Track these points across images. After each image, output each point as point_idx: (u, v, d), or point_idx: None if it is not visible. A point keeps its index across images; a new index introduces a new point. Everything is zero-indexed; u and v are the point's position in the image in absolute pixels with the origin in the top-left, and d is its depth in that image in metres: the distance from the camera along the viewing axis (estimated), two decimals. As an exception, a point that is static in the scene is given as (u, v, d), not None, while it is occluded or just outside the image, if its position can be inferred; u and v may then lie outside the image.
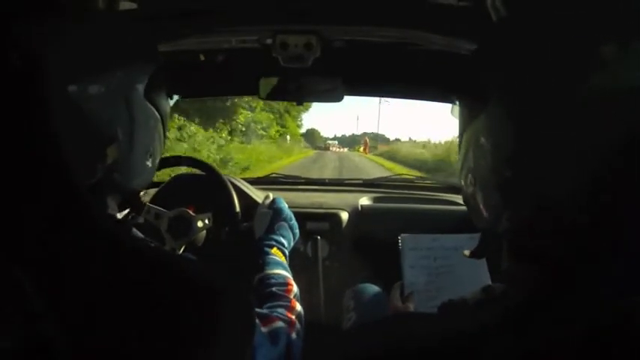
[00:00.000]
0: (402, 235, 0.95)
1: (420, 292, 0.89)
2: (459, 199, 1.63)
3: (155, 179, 1.55)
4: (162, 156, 1.23)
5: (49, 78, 0.38)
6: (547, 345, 0.30)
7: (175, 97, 1.45)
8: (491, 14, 0.69)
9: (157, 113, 0.60)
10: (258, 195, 1.47)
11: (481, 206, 0.49)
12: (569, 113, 0.39)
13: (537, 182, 0.41)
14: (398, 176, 2.06)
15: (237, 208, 1.22)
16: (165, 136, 0.65)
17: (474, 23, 0.79)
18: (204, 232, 1.20)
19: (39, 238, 0.37)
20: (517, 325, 0.32)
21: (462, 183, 0.52)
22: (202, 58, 1.22)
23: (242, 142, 13.47)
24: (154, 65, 0.58)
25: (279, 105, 17.20)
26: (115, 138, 0.52)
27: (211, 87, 1.55)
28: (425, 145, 25.78)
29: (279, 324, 0.62)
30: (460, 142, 0.53)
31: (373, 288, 1.16)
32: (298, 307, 0.74)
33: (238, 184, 1.44)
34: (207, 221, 1.17)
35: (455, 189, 1.75)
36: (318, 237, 1.44)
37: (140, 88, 0.56)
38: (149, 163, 0.60)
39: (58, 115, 0.39)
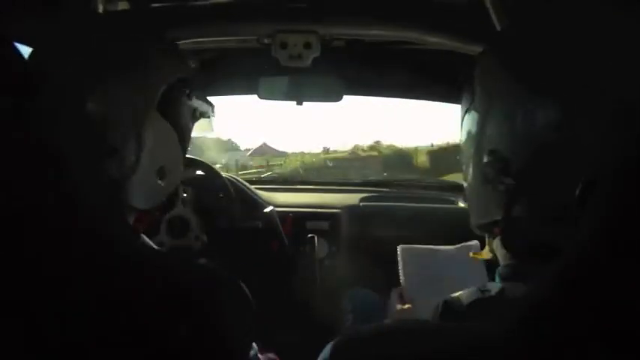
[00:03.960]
0: (401, 246, 0.96)
1: (420, 299, 0.89)
2: (459, 198, 1.63)
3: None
4: None
5: (45, 83, 0.38)
6: (547, 347, 0.29)
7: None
8: (490, 14, 0.69)
9: (170, 128, 0.55)
10: (257, 195, 1.47)
11: (477, 202, 0.49)
12: (569, 115, 0.39)
13: (534, 180, 0.42)
14: (397, 176, 2.06)
15: (237, 209, 1.22)
16: (185, 153, 0.61)
17: (473, 23, 0.79)
18: (205, 236, 1.19)
19: (40, 245, 0.37)
20: (514, 325, 0.31)
21: (464, 180, 0.53)
22: (201, 57, 1.22)
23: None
24: (171, 77, 0.53)
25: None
26: (117, 153, 0.49)
27: (210, 87, 1.55)
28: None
29: None
30: (463, 140, 0.53)
31: (368, 292, 1.18)
32: None
33: (239, 184, 1.44)
34: (185, 195, 1.15)
35: (453, 188, 1.75)
36: (315, 236, 1.44)
37: (150, 100, 0.51)
38: (161, 183, 0.55)
39: (54, 122, 0.38)
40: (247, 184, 1.52)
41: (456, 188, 1.77)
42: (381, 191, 1.74)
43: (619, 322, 0.27)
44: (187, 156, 1.31)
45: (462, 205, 1.58)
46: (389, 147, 5.53)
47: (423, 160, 5.07)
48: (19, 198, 0.36)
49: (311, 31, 0.89)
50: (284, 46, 0.89)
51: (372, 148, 5.45)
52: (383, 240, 1.43)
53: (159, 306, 0.41)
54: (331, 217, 1.49)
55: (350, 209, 1.53)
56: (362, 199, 1.59)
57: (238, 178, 1.53)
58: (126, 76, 0.50)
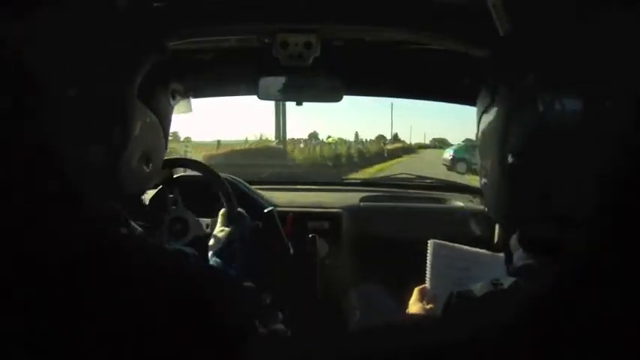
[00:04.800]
0: (432, 240, 0.94)
1: (442, 298, 0.88)
2: (458, 197, 1.64)
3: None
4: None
5: (27, 73, 0.37)
6: (559, 341, 0.29)
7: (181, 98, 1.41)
8: (492, 13, 0.69)
9: (152, 115, 0.56)
10: (258, 195, 1.47)
11: (492, 197, 0.51)
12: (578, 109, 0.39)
13: (544, 173, 0.43)
14: (397, 175, 2.07)
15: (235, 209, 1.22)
16: (166, 140, 0.62)
17: (473, 22, 0.79)
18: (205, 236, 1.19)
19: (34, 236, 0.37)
20: (526, 319, 0.31)
21: (480, 175, 0.54)
22: (201, 57, 1.21)
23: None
24: (146, 64, 0.54)
25: None
26: (102, 141, 0.49)
27: (210, 87, 1.55)
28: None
29: None
30: (480, 138, 0.54)
31: (376, 288, 1.16)
32: None
33: (238, 184, 1.44)
34: (206, 229, 1.16)
35: (454, 187, 1.75)
36: (316, 236, 1.44)
37: (131, 88, 0.52)
38: (146, 168, 0.56)
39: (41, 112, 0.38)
40: (247, 183, 1.52)
41: (456, 188, 1.78)
42: (381, 191, 1.74)
43: (618, 324, 0.27)
44: (186, 157, 1.32)
45: (459, 204, 1.58)
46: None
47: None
48: (15, 193, 0.36)
49: (311, 30, 0.89)
50: (284, 45, 0.89)
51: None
52: (383, 239, 1.44)
53: (160, 305, 0.40)
54: (331, 217, 1.49)
55: (350, 209, 1.53)
56: (362, 199, 1.60)
57: (237, 178, 1.53)
58: (105, 63, 0.49)
